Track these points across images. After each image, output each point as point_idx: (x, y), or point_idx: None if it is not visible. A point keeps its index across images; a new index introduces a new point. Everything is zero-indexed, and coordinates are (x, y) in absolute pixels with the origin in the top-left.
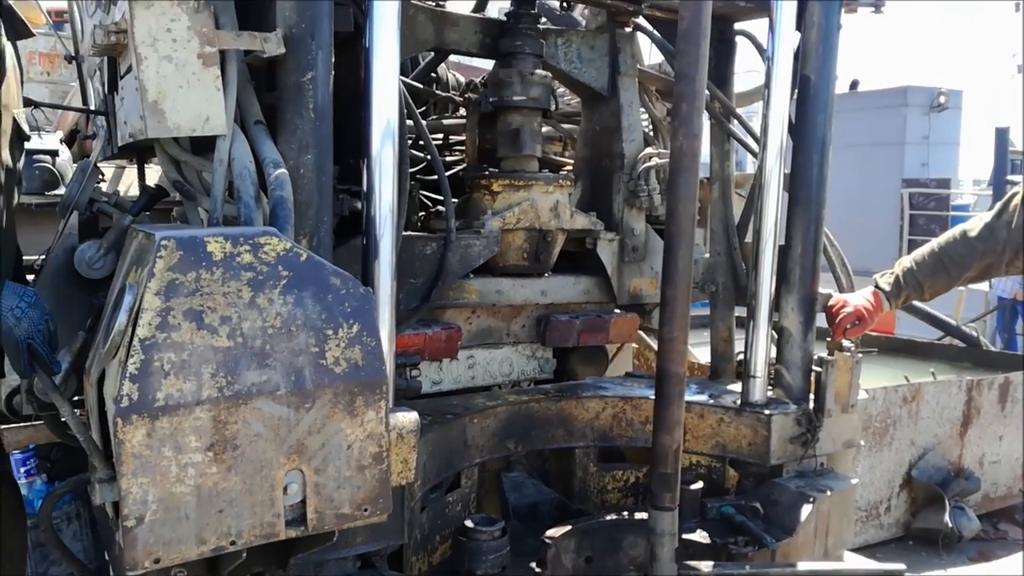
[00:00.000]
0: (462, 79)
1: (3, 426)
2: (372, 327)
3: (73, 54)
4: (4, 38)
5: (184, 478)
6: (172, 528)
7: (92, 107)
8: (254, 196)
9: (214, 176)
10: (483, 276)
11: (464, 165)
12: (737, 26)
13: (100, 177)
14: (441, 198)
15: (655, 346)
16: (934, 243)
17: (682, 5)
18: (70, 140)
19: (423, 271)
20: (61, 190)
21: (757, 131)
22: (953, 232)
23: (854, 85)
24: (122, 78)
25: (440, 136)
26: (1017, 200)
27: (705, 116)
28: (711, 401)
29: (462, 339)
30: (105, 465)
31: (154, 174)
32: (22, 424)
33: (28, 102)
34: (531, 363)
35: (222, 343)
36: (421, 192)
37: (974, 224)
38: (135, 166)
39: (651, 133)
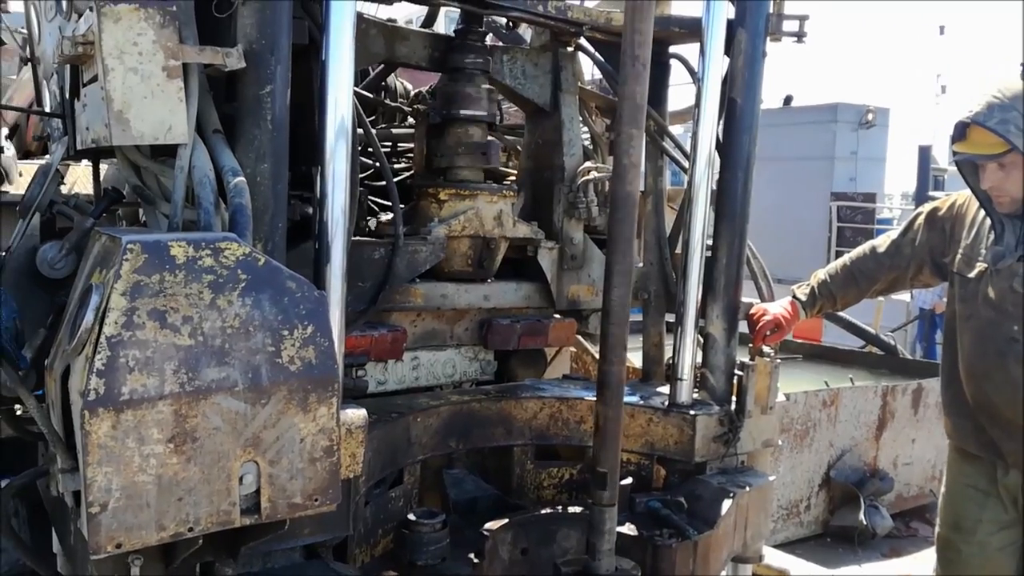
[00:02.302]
0: (410, 86)
1: None
2: (325, 328)
3: (29, 56)
4: None
5: (146, 468)
6: (134, 515)
7: (48, 109)
8: (213, 203)
9: (175, 183)
10: (429, 281)
11: (412, 173)
12: (671, 49)
13: (60, 180)
14: (387, 203)
15: (592, 350)
16: (846, 258)
17: (625, 37)
18: (11, 135)
19: (371, 275)
20: (5, 186)
21: (688, 148)
22: (864, 248)
23: (788, 100)
24: (85, 85)
25: (388, 144)
26: (921, 220)
27: None
28: (641, 402)
29: (407, 341)
30: (67, 456)
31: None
32: None
33: None
34: (473, 365)
35: (184, 341)
36: (369, 198)
37: (882, 241)
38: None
39: (591, 147)
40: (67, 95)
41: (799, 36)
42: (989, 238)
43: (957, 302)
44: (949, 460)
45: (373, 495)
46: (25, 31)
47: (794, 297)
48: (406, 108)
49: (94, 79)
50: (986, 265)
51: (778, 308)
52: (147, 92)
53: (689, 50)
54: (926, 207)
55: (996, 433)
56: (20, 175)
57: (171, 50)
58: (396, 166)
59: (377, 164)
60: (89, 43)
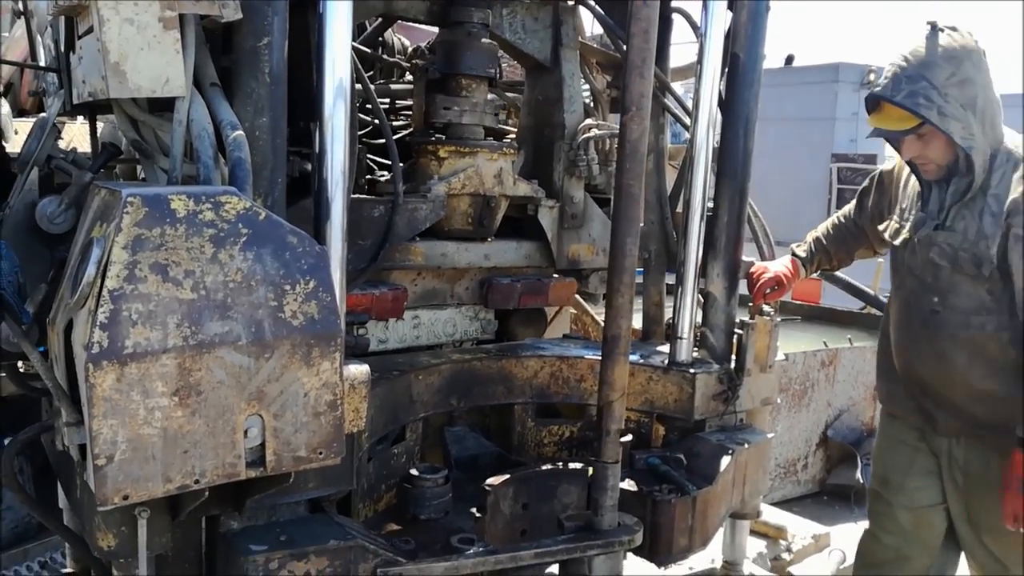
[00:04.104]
0: (407, 43)
1: None
2: (328, 283)
3: (22, 9)
4: None
5: (151, 420)
6: (140, 467)
7: (42, 63)
8: (212, 156)
9: (173, 136)
10: (429, 239)
11: (411, 130)
12: (673, 4)
13: (57, 134)
14: (386, 162)
15: (591, 310)
16: (838, 215)
17: (634, 4)
18: (4, 93)
19: (371, 233)
20: (2, 142)
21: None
22: (847, 207)
23: (789, 60)
24: (80, 38)
25: (386, 100)
26: (872, 183)
27: None
28: (641, 361)
29: (408, 300)
30: (72, 410)
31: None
32: None
33: None
34: (474, 324)
35: (186, 295)
36: (367, 156)
37: (855, 203)
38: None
39: (591, 104)
40: (62, 48)
41: None
42: (917, 205)
43: (890, 272)
44: (880, 420)
45: (376, 451)
46: None
47: (793, 255)
48: (404, 64)
49: (89, 31)
50: (909, 234)
51: (779, 266)
52: (143, 43)
53: (691, 6)
54: (880, 168)
55: (925, 402)
56: (16, 133)
57: (167, 1)
58: (395, 123)
59: (375, 121)
60: None
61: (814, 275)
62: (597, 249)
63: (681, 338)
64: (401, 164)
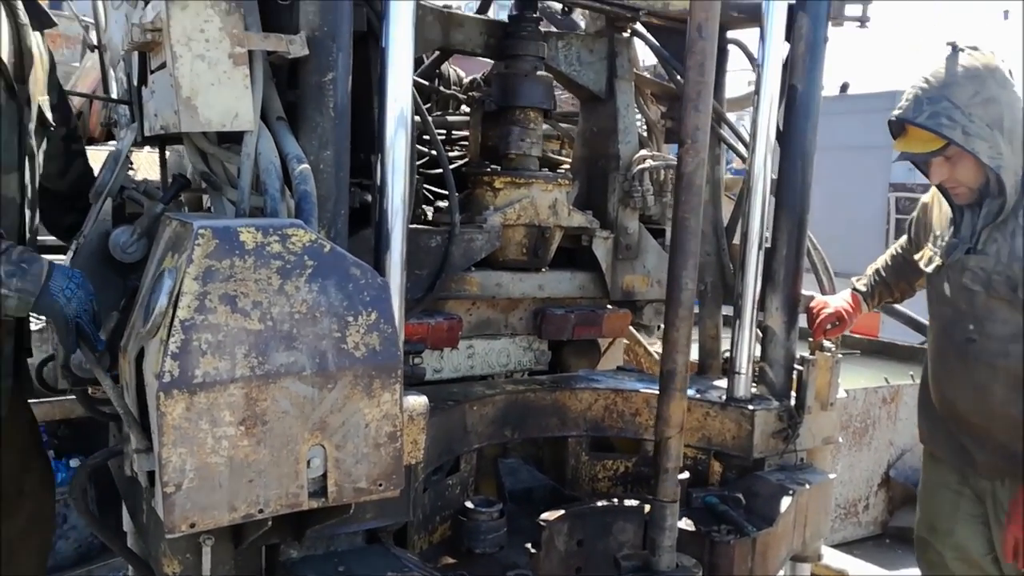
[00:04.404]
0: (463, 74)
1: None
2: (389, 315)
3: (96, 43)
4: (31, 29)
5: (219, 449)
6: (207, 495)
7: (115, 95)
8: (279, 189)
9: (241, 169)
10: (484, 269)
11: (466, 160)
12: (729, 34)
13: (130, 165)
14: (441, 191)
15: (644, 341)
16: (896, 245)
17: (690, 38)
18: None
19: (427, 263)
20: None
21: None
22: (904, 237)
23: (844, 87)
24: (153, 72)
25: (443, 132)
26: (916, 212)
27: None
28: (698, 396)
29: (463, 329)
30: (143, 436)
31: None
32: (39, 400)
33: (63, 93)
34: (527, 354)
35: (254, 326)
36: (424, 186)
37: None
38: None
39: (646, 135)
40: (135, 82)
41: (862, 21)
42: (950, 231)
43: (927, 302)
44: (923, 460)
45: (431, 482)
46: (88, 19)
47: (854, 289)
48: (461, 96)
49: (162, 66)
50: (941, 260)
51: (839, 301)
52: (214, 79)
53: (747, 35)
54: (926, 196)
55: (965, 440)
56: None
57: (237, 37)
58: (450, 154)
59: (432, 152)
60: (157, 30)
61: (876, 309)
62: (652, 280)
63: (739, 373)
64: (457, 194)
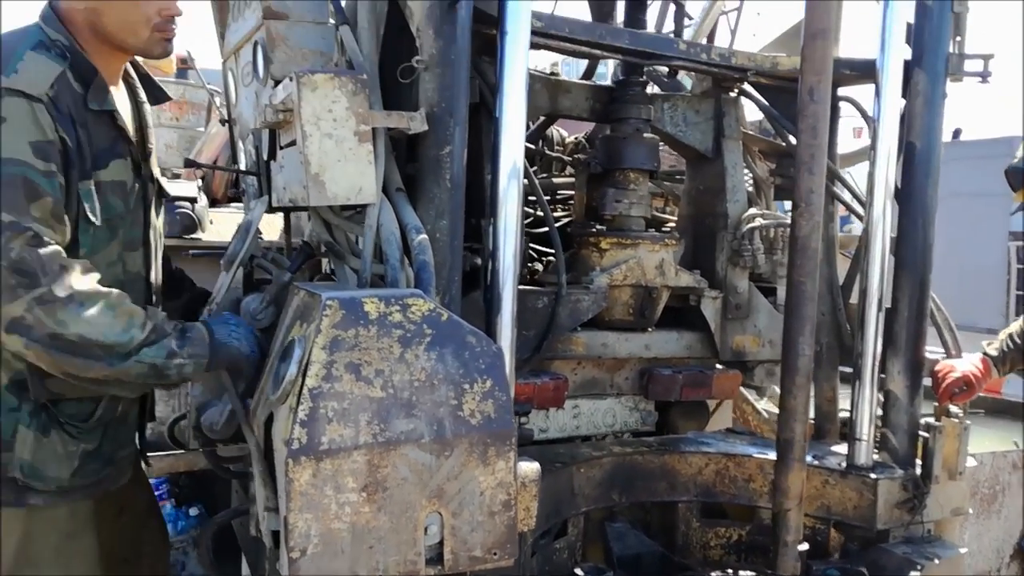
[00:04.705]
0: (565, 133)
1: (150, 454)
2: (503, 383)
3: (227, 117)
4: (148, 106)
5: (342, 515)
6: (330, 561)
7: (243, 166)
8: (399, 259)
9: (364, 240)
10: (590, 329)
11: (570, 220)
12: (841, 91)
13: (259, 234)
14: (544, 249)
15: (754, 402)
16: None
17: (802, 100)
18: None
19: (534, 323)
20: (198, 233)
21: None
22: None
23: (957, 134)
24: (283, 148)
25: (547, 192)
26: None
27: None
28: (816, 462)
29: (568, 389)
30: (273, 496)
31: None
32: (165, 454)
33: (190, 163)
34: (634, 415)
35: (376, 394)
36: (529, 245)
37: None
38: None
39: (753, 192)
40: (264, 156)
41: (983, 76)
42: None
43: None
44: None
45: (539, 546)
46: (212, 87)
47: (984, 354)
48: (566, 158)
49: (292, 143)
50: None
51: (968, 365)
52: (340, 155)
53: (859, 91)
54: None
55: None
56: (211, 223)
57: (362, 116)
58: (554, 214)
59: (539, 212)
60: (288, 110)
61: (1008, 375)
62: (763, 340)
63: (860, 439)
64: (563, 254)
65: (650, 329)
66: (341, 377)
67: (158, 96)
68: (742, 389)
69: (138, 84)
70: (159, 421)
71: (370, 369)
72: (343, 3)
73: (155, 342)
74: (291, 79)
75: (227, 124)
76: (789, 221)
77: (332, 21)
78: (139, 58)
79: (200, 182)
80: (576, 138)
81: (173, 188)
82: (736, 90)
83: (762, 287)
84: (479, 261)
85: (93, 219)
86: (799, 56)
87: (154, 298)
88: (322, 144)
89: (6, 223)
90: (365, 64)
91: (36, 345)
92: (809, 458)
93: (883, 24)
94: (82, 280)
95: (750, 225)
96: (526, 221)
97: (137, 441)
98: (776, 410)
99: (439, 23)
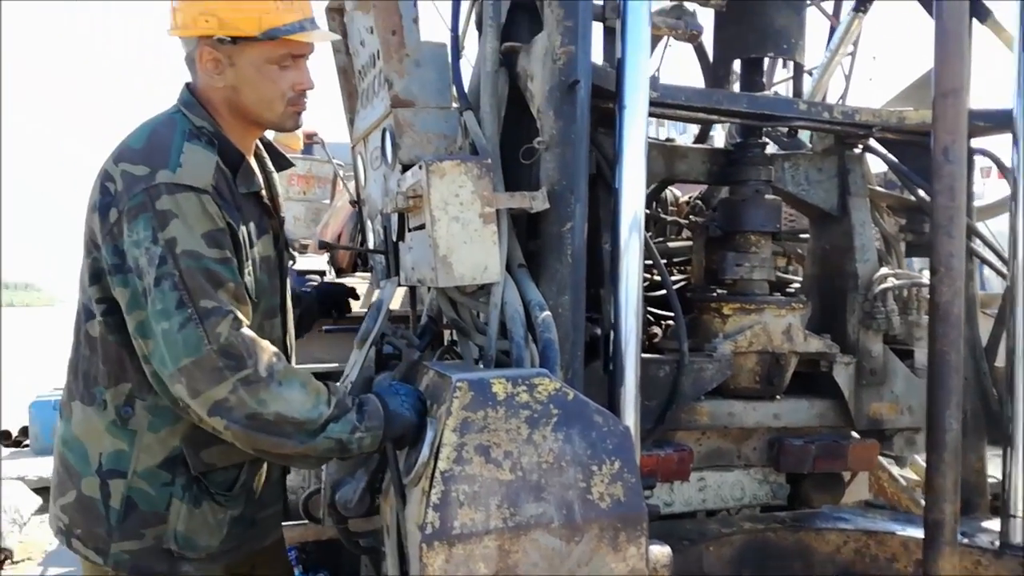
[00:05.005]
0: (679, 193)
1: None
2: (632, 464)
3: (356, 199)
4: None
5: None
6: None
7: (371, 244)
8: (524, 336)
9: (489, 318)
10: (714, 398)
11: (686, 282)
12: (974, 143)
13: (389, 312)
14: (661, 313)
15: (893, 471)
16: None
17: (936, 161)
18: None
19: (656, 393)
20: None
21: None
22: None
23: None
24: (411, 231)
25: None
26: None
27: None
28: (965, 540)
29: (693, 461)
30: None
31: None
32: (296, 523)
33: (324, 245)
34: (763, 488)
35: (505, 476)
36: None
37: None
38: None
39: (883, 250)
40: (392, 236)
41: None
42: None
43: None
44: None
45: None
46: (337, 161)
47: None
48: (682, 221)
49: (420, 227)
50: None
51: None
52: (466, 238)
53: (992, 141)
54: None
55: None
56: None
57: (486, 198)
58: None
59: (655, 276)
60: (417, 196)
61: None
62: (902, 407)
63: (1015, 516)
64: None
65: (778, 397)
66: (471, 459)
67: (282, 163)
68: (883, 460)
69: (264, 154)
70: (289, 491)
71: (499, 451)
72: (466, 88)
73: (339, 417)
74: (420, 167)
75: (356, 205)
76: (924, 280)
77: (455, 105)
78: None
79: (328, 255)
80: (690, 198)
81: (303, 262)
82: (860, 146)
83: (898, 350)
84: (598, 331)
85: (251, 296)
86: (927, 109)
87: (292, 361)
88: (449, 227)
89: (209, 309)
90: (488, 147)
91: (235, 425)
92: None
93: (1018, 72)
94: (275, 359)
95: (883, 286)
96: (643, 285)
97: (281, 501)
98: (917, 477)
99: (559, 104)
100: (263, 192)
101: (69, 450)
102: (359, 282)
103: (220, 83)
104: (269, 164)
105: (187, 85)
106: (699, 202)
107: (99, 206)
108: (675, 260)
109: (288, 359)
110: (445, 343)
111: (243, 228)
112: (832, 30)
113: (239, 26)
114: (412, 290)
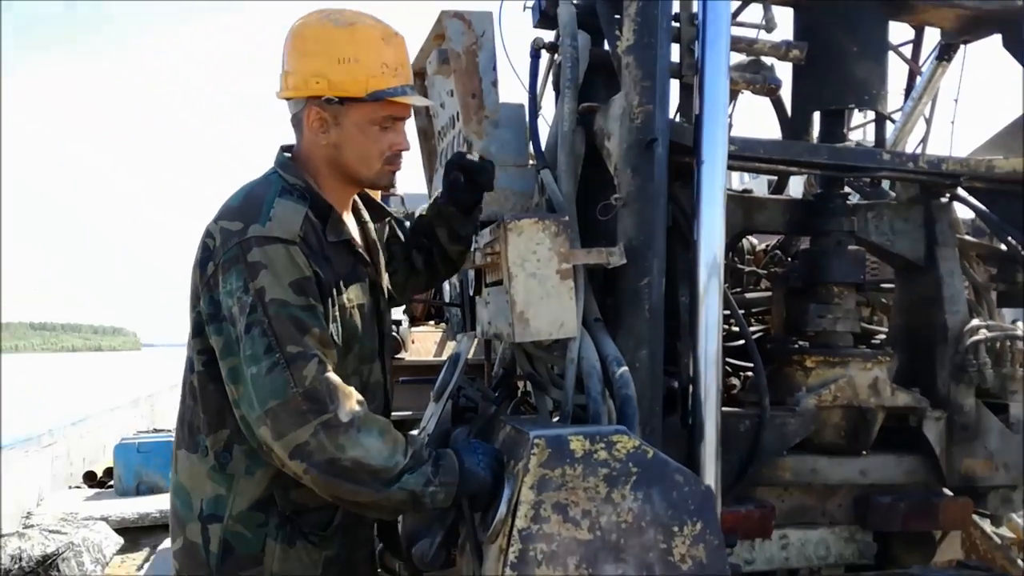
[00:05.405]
0: (756, 242)
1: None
2: (715, 525)
3: None
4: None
5: None
6: None
7: (447, 298)
8: (601, 392)
9: (566, 373)
10: (797, 453)
11: (764, 332)
12: None
13: (465, 367)
14: (740, 363)
15: (987, 528)
16: None
17: None
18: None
19: (737, 447)
20: (402, 354)
21: None
22: None
23: None
24: (488, 286)
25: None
26: None
27: None
28: None
29: (775, 518)
30: None
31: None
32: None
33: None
34: (849, 546)
35: (583, 535)
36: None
37: None
38: None
39: (972, 299)
40: (469, 290)
41: None
42: None
43: None
44: None
45: None
46: (413, 212)
47: None
48: (760, 271)
49: (497, 283)
50: None
51: None
52: (543, 293)
53: None
54: None
55: None
56: (412, 342)
57: (563, 255)
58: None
59: (733, 327)
60: (495, 253)
61: None
62: (996, 464)
63: None
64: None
65: (865, 452)
66: (549, 518)
67: (380, 213)
68: (976, 517)
69: (361, 207)
70: None
71: (577, 510)
72: (543, 147)
73: (414, 468)
74: (498, 224)
75: None
76: (1018, 332)
77: (532, 163)
78: None
79: (404, 305)
80: (767, 247)
81: None
82: (947, 195)
83: (991, 403)
84: (676, 384)
85: (337, 341)
86: (1017, 157)
87: (391, 404)
88: (526, 284)
89: (295, 353)
90: (565, 203)
91: (314, 470)
92: None
93: None
94: (357, 405)
95: (974, 338)
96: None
97: (376, 541)
98: (1012, 535)
99: (637, 161)
100: (356, 241)
101: (177, 497)
102: (431, 332)
103: (324, 141)
104: (365, 215)
105: (282, 148)
106: (778, 252)
107: (200, 261)
108: (753, 310)
109: (388, 403)
110: (518, 394)
111: (332, 276)
112: (911, 74)
113: (347, 87)
114: (488, 345)
